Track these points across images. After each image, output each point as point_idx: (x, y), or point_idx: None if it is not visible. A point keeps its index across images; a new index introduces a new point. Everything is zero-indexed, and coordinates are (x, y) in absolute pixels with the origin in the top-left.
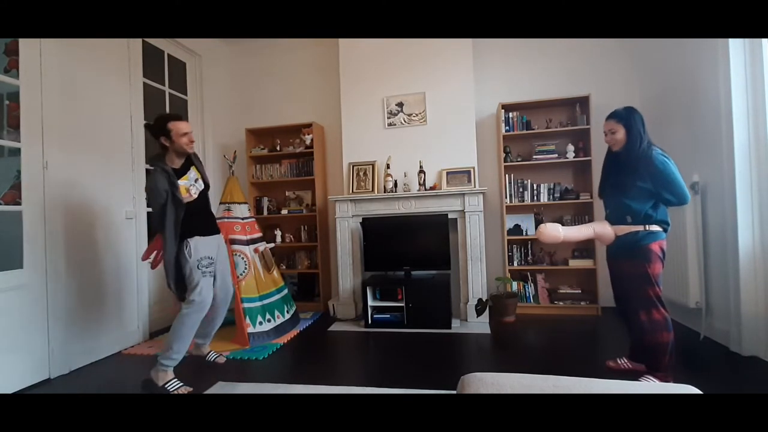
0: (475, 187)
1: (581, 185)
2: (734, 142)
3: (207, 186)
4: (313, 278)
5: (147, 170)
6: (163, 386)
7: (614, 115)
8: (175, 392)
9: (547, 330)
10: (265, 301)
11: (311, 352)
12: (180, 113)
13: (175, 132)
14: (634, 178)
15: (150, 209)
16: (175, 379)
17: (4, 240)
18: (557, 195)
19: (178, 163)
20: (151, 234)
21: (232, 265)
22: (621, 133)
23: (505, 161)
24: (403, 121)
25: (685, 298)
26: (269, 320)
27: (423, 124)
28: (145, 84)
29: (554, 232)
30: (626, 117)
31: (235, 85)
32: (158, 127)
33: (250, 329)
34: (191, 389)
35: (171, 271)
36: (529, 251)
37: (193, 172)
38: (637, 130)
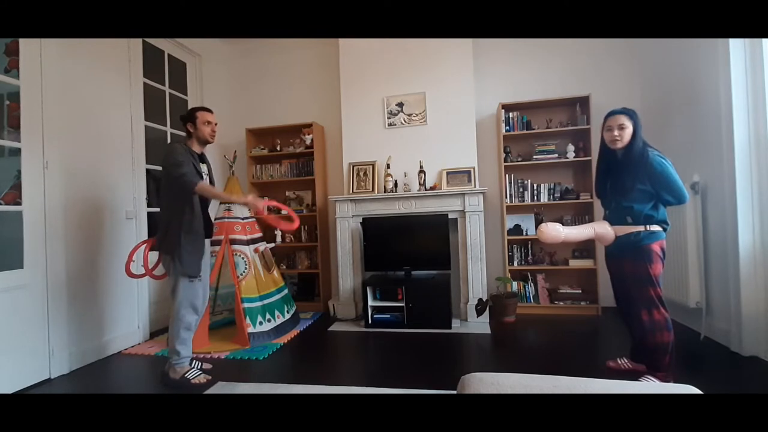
0: (475, 187)
1: (581, 185)
2: (734, 142)
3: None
4: (313, 278)
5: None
6: (182, 377)
7: (625, 112)
8: (196, 381)
9: (547, 330)
10: (266, 301)
11: (311, 352)
12: (181, 113)
13: (200, 119)
14: (633, 181)
15: (156, 200)
16: (194, 369)
17: (4, 240)
18: (557, 195)
19: (197, 150)
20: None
21: (232, 266)
22: (629, 131)
23: (505, 161)
24: (403, 121)
25: (685, 298)
26: (269, 320)
27: (423, 124)
28: (145, 84)
29: (554, 231)
30: (634, 116)
31: (235, 85)
32: (187, 114)
33: (251, 329)
34: (210, 377)
35: (180, 244)
36: (529, 251)
37: (205, 168)
38: (639, 132)
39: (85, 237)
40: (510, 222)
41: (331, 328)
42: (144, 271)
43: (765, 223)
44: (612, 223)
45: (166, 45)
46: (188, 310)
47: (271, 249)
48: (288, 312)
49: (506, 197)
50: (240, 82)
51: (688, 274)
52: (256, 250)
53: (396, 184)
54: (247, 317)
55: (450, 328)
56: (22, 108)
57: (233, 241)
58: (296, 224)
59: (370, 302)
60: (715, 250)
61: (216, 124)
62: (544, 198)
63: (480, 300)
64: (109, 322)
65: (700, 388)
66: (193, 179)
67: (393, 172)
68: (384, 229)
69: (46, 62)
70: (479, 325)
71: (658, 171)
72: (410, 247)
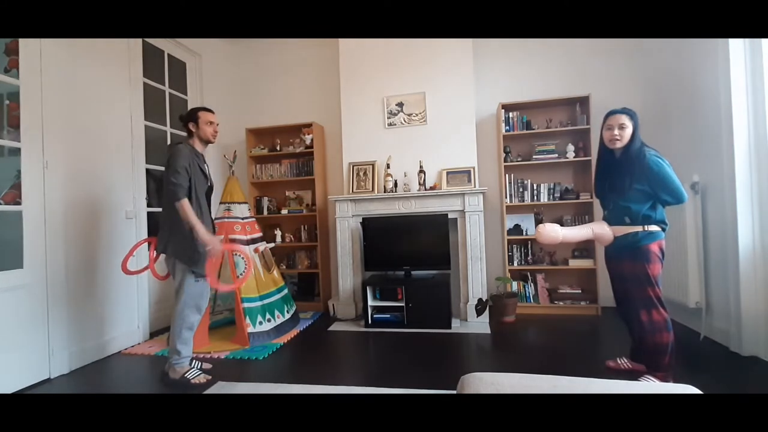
0: (475, 187)
1: (581, 185)
2: (734, 142)
3: (211, 188)
4: (313, 278)
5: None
6: (182, 377)
7: (626, 112)
8: (196, 381)
9: (547, 330)
10: (265, 301)
11: (311, 352)
12: (181, 113)
13: (202, 119)
14: (631, 181)
15: (160, 200)
16: (193, 368)
17: (4, 240)
18: (557, 195)
19: (200, 149)
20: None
21: (231, 265)
22: (629, 131)
23: (505, 161)
24: (403, 121)
25: (685, 298)
26: (269, 320)
27: (423, 124)
28: (145, 84)
29: (553, 232)
30: (635, 117)
31: (235, 85)
32: (188, 114)
33: (250, 329)
34: (210, 377)
35: (188, 244)
36: (529, 251)
37: (207, 168)
38: (637, 132)
39: (85, 237)
40: (510, 222)
41: (330, 328)
42: (144, 267)
43: (765, 223)
44: (610, 223)
45: (166, 45)
46: (192, 309)
47: (271, 249)
48: (288, 312)
49: (506, 197)
50: (240, 82)
51: (688, 274)
52: (255, 250)
53: (396, 184)
54: (247, 317)
55: (450, 328)
56: (22, 108)
57: (233, 241)
58: (234, 286)
59: (370, 302)
60: (715, 250)
61: (218, 124)
62: (543, 198)
63: (480, 300)
64: (109, 321)
65: (699, 388)
66: (179, 193)
67: (393, 172)
68: (384, 229)
69: (46, 62)
70: (479, 325)
71: (654, 171)
72: (410, 247)
